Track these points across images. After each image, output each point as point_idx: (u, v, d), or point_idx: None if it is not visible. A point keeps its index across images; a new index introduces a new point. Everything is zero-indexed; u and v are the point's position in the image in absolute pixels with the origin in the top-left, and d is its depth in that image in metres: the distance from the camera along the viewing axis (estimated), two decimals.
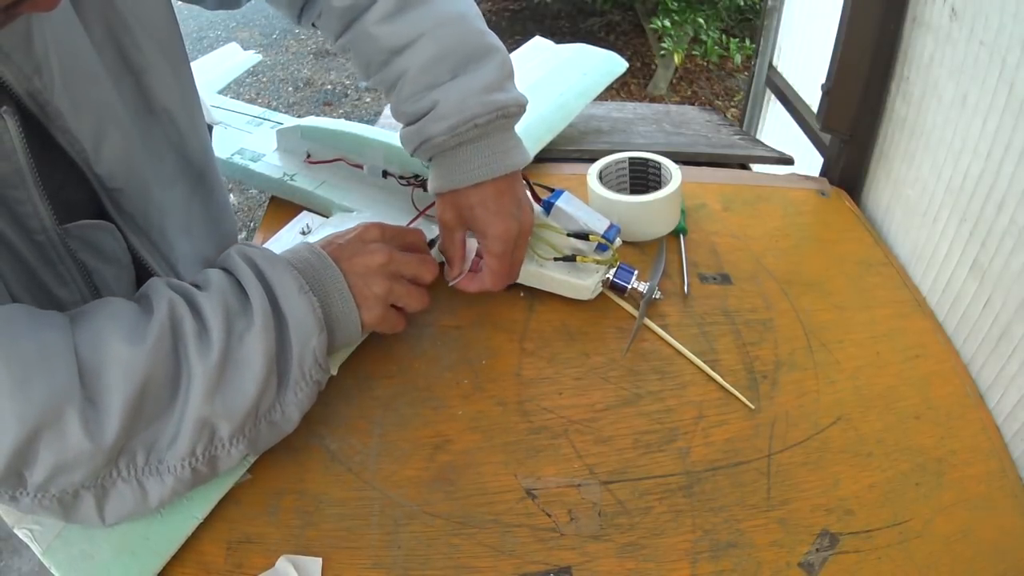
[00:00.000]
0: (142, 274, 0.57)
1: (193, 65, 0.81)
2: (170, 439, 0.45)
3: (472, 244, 0.65)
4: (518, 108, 0.59)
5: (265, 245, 0.72)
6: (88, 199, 0.52)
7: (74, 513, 0.45)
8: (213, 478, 0.50)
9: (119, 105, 0.52)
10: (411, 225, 0.73)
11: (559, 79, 0.98)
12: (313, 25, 0.65)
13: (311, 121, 0.83)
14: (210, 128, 0.67)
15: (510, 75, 0.60)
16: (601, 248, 0.67)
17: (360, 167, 0.79)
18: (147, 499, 0.46)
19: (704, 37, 3.05)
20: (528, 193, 0.68)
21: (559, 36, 3.41)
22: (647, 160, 0.80)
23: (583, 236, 0.67)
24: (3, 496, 0.42)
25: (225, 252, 0.53)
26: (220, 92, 1.07)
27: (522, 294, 0.71)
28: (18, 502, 0.42)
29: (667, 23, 2.97)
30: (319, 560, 0.50)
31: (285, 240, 0.73)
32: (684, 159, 0.94)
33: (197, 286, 0.50)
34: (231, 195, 2.65)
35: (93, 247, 0.51)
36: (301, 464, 0.56)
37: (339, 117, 2.63)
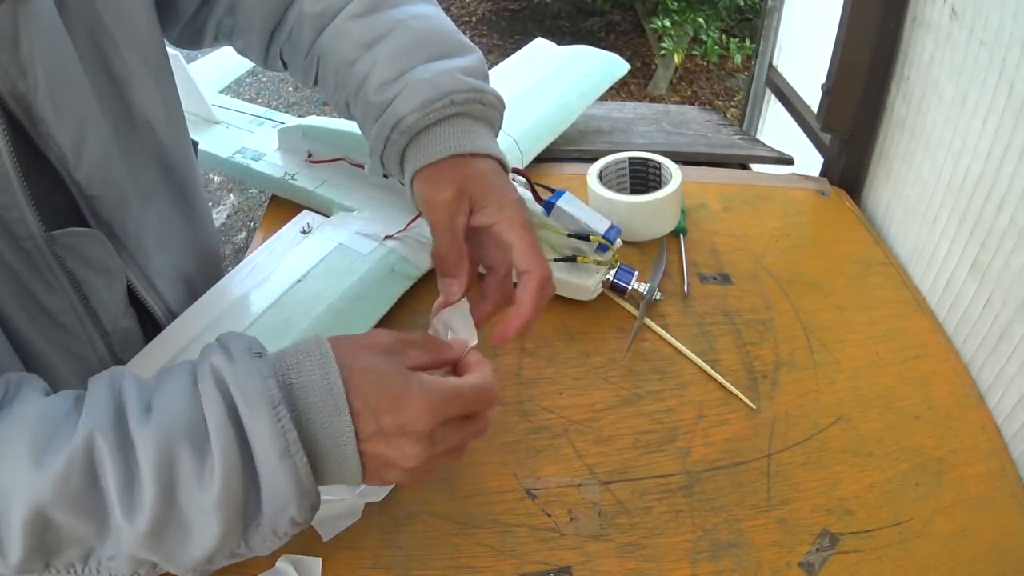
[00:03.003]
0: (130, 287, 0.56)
1: (194, 65, 0.81)
2: (109, 556, 0.37)
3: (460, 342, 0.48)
4: (497, 100, 0.53)
5: (265, 244, 0.72)
6: (71, 206, 0.51)
7: None
8: None
9: (100, 114, 0.51)
10: (411, 226, 0.73)
11: (560, 80, 0.98)
12: (281, 59, 0.61)
13: (312, 120, 0.83)
14: (195, 145, 0.66)
15: (487, 76, 0.55)
16: (601, 249, 0.67)
17: (361, 167, 0.79)
18: None
19: (704, 37, 3.05)
20: (530, 193, 0.68)
21: (559, 36, 3.42)
22: (647, 160, 0.80)
23: (584, 237, 0.67)
24: None
25: (204, 352, 0.40)
26: (221, 91, 1.07)
27: None
28: None
29: (667, 23, 2.97)
30: (319, 560, 0.50)
31: (286, 238, 0.73)
32: (684, 159, 0.94)
33: (148, 406, 0.38)
34: (231, 195, 2.64)
35: (81, 255, 0.50)
36: None
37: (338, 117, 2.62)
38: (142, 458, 0.36)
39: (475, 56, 0.54)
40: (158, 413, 0.37)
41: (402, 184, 0.53)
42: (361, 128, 0.57)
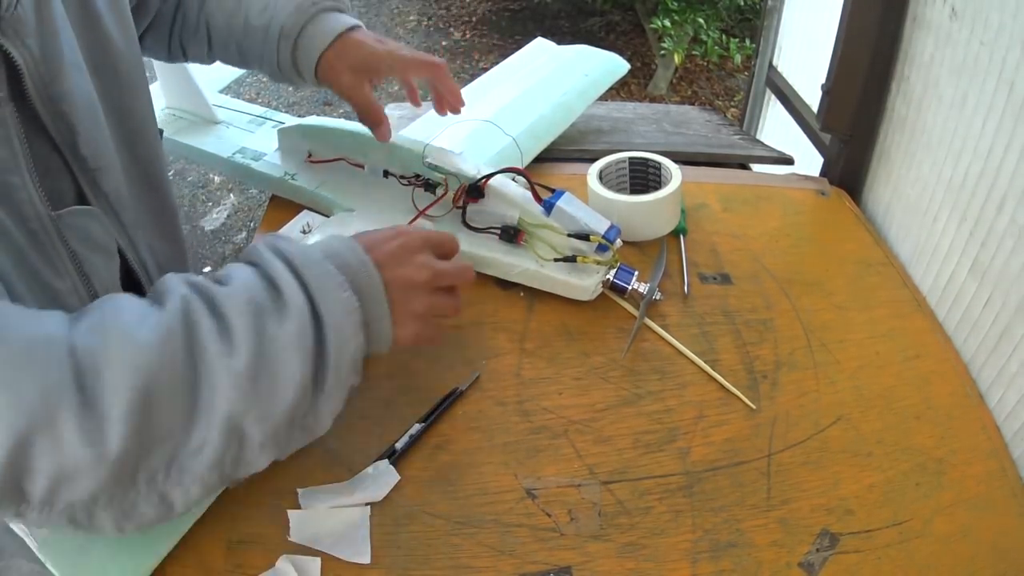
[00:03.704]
0: (124, 265, 0.59)
1: (196, 64, 0.81)
2: (195, 449, 0.41)
3: None
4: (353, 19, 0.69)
5: None
6: (69, 186, 0.54)
7: (90, 531, 0.41)
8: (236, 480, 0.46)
9: (96, 96, 0.55)
10: (412, 224, 0.73)
11: (561, 80, 0.98)
12: (180, 44, 0.73)
13: (313, 120, 0.83)
14: (160, 132, 0.70)
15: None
16: (601, 249, 0.67)
17: (361, 167, 0.79)
18: (172, 510, 0.43)
19: (704, 37, 3.05)
20: (530, 193, 0.69)
21: (559, 36, 3.42)
22: (647, 160, 0.80)
23: (584, 237, 0.67)
24: (7, 511, 0.39)
25: (251, 246, 0.49)
26: (221, 91, 1.07)
27: (522, 294, 0.71)
28: (24, 517, 0.39)
29: (667, 23, 2.97)
30: (318, 560, 0.50)
31: None
32: (684, 159, 0.94)
33: (219, 281, 0.46)
34: (231, 195, 2.64)
35: (82, 234, 0.53)
36: (301, 464, 0.56)
37: (339, 117, 2.63)
38: (230, 309, 0.43)
39: None
40: (229, 279, 0.45)
41: (311, 82, 0.70)
42: (253, 59, 0.72)
